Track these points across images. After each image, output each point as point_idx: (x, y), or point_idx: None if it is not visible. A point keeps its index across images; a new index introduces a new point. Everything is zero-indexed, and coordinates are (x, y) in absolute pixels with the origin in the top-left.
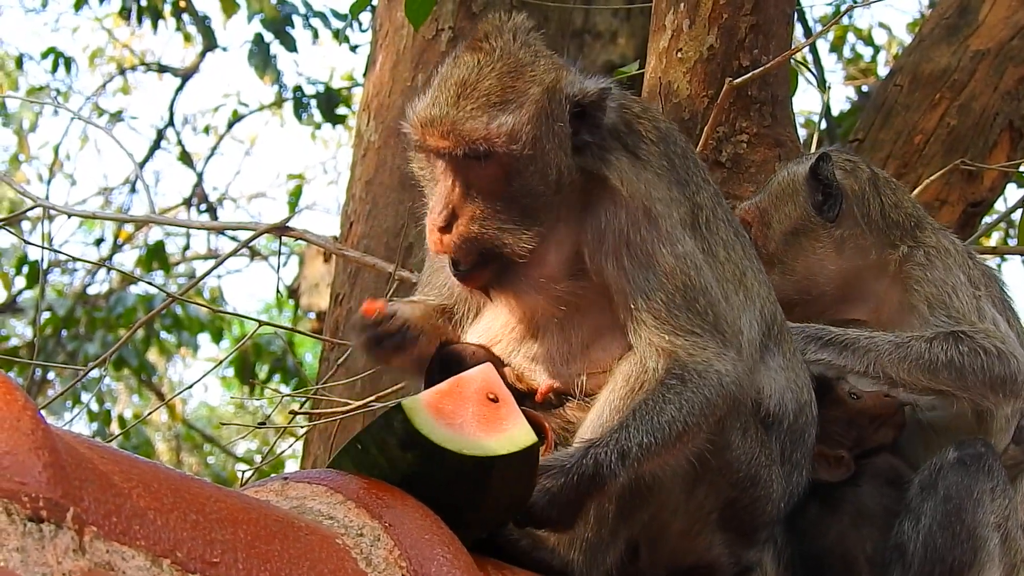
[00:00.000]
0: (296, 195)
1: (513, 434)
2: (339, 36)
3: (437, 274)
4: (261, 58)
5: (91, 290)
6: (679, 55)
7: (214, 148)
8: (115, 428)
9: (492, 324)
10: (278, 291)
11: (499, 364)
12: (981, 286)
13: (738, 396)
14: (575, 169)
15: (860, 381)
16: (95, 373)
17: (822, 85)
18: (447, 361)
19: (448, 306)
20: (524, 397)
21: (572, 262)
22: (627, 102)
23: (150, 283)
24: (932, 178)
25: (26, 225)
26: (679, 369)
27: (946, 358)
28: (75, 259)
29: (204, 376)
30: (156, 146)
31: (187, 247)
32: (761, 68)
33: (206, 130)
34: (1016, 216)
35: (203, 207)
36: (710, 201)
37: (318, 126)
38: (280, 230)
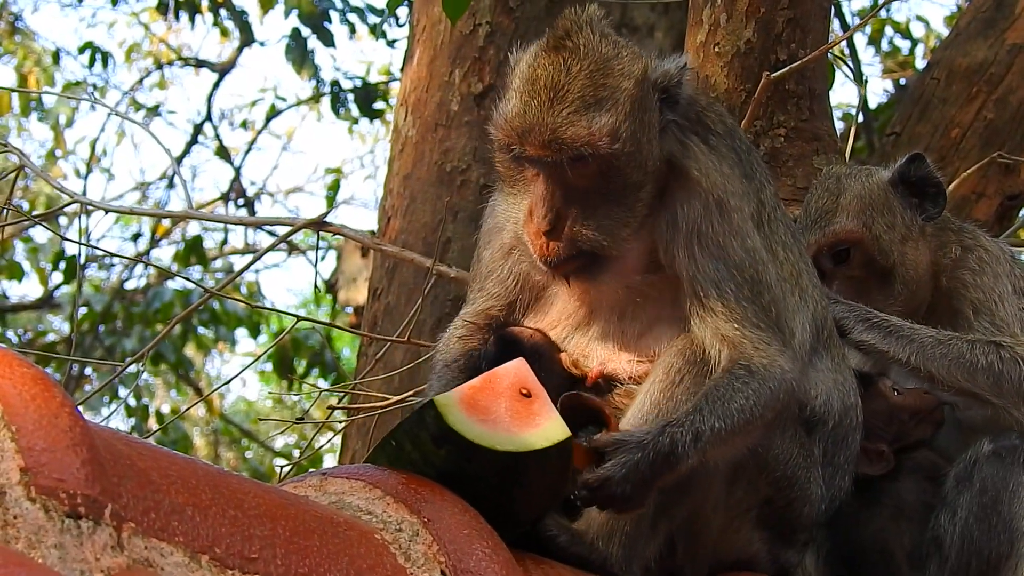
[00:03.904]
0: (334, 190)
1: (546, 429)
2: (376, 31)
3: (500, 266)
4: (298, 53)
5: (128, 285)
6: (716, 49)
7: (252, 143)
8: (153, 423)
9: (550, 308)
10: (315, 286)
11: (555, 349)
12: None
13: (796, 394)
14: (662, 157)
15: (898, 372)
16: (132, 368)
17: (859, 79)
18: (505, 343)
19: (508, 304)
20: (577, 382)
21: (649, 255)
22: (695, 94)
23: (187, 279)
24: (969, 171)
25: (63, 220)
26: (745, 360)
27: (986, 362)
28: (112, 255)
29: (242, 371)
30: (194, 141)
31: (224, 242)
32: (798, 62)
33: (243, 125)
34: None
35: (241, 202)
36: (772, 199)
37: (355, 121)
38: (317, 225)
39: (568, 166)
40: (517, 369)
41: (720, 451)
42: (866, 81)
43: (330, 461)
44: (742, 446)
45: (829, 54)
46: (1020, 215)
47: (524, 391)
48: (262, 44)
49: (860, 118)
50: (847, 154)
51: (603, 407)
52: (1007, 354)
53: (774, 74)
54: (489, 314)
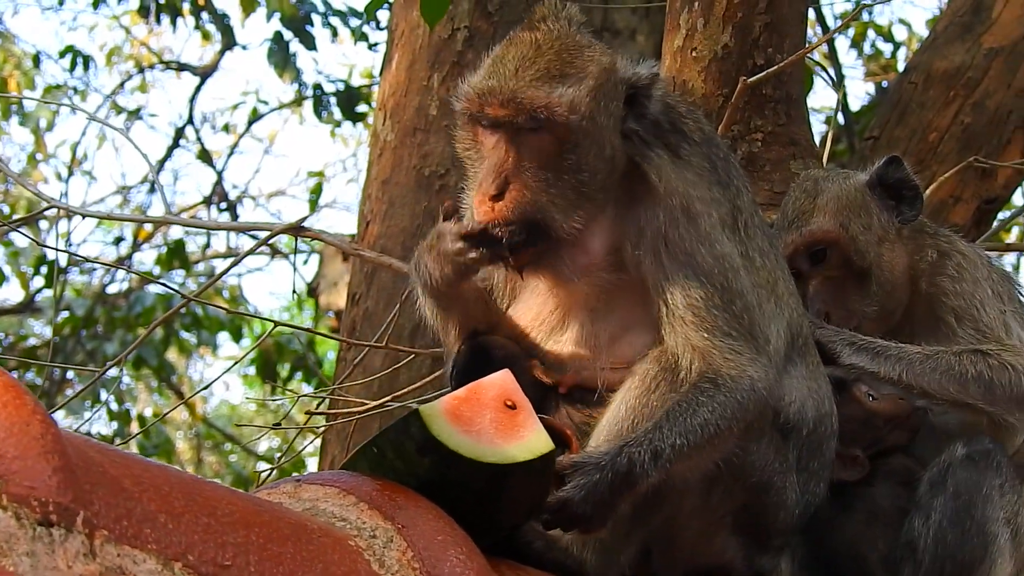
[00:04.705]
0: (316, 193)
1: (530, 441)
2: (357, 34)
3: None
4: (280, 56)
5: (110, 289)
6: (693, 54)
7: (234, 146)
8: (135, 428)
9: (523, 313)
10: (294, 290)
11: (527, 358)
12: (1005, 298)
13: (768, 403)
14: (623, 157)
15: (888, 388)
16: (113, 372)
17: (837, 83)
18: (475, 353)
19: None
20: (549, 390)
21: (612, 254)
22: (673, 101)
23: (165, 284)
24: (946, 175)
25: (44, 224)
26: (713, 372)
27: (975, 371)
28: (90, 260)
29: (221, 376)
30: (175, 144)
31: (207, 245)
32: (775, 67)
33: (225, 128)
34: None
35: (223, 205)
36: (749, 206)
37: (338, 124)
38: (296, 230)
39: (526, 133)
40: (502, 381)
41: (684, 466)
42: (843, 86)
43: (313, 465)
44: (710, 459)
45: (807, 59)
46: (997, 219)
47: (509, 403)
48: (244, 47)
49: (841, 121)
50: (825, 158)
51: (564, 428)
52: (995, 361)
53: (751, 79)
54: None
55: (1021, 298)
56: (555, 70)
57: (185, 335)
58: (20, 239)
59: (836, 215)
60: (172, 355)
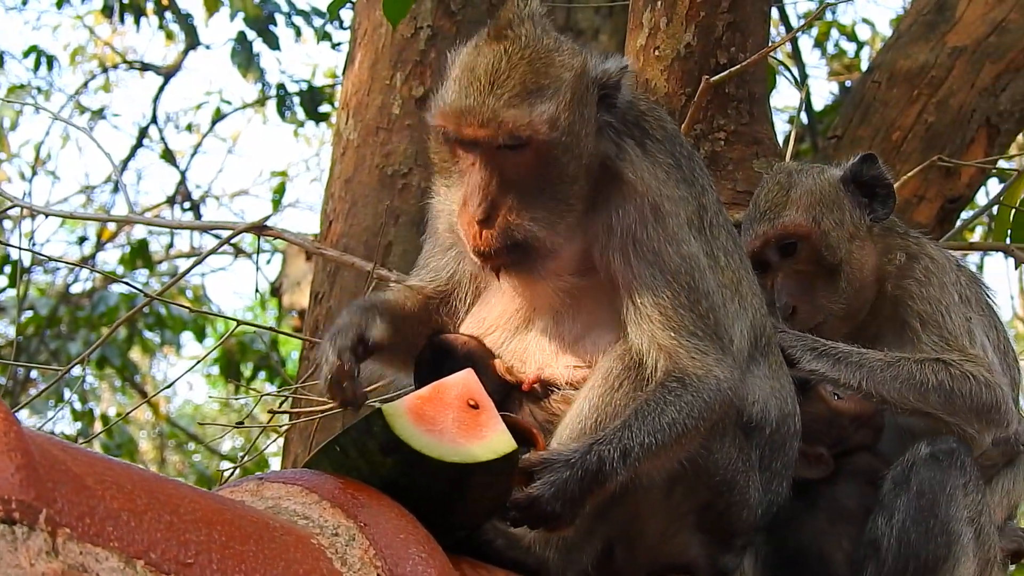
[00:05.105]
0: (279, 193)
1: (493, 441)
2: (320, 34)
3: (438, 257)
4: (244, 56)
5: (74, 289)
6: (656, 53)
7: (197, 146)
8: (98, 427)
9: (487, 312)
10: (257, 290)
11: (489, 356)
12: (972, 302)
13: (733, 402)
14: (597, 157)
15: (847, 394)
16: (77, 371)
17: (800, 82)
18: (438, 351)
19: (445, 292)
20: (512, 388)
21: (581, 256)
22: (635, 98)
23: (128, 283)
24: (910, 174)
25: (8, 224)
26: (679, 372)
27: (936, 380)
28: (54, 259)
29: (183, 375)
30: (139, 144)
31: (171, 245)
32: (738, 66)
33: (189, 128)
34: (994, 212)
35: (187, 205)
36: (714, 205)
37: (301, 124)
38: (258, 229)
39: (505, 151)
40: (465, 380)
41: (652, 465)
42: (807, 85)
43: (276, 464)
44: (676, 458)
45: (769, 58)
46: (960, 218)
47: (472, 402)
48: (207, 47)
49: (804, 120)
50: (788, 157)
51: (530, 427)
52: (956, 371)
53: (714, 78)
54: (428, 295)
55: (989, 300)
56: (531, 84)
57: (148, 335)
58: None
59: (809, 209)
60: (136, 355)
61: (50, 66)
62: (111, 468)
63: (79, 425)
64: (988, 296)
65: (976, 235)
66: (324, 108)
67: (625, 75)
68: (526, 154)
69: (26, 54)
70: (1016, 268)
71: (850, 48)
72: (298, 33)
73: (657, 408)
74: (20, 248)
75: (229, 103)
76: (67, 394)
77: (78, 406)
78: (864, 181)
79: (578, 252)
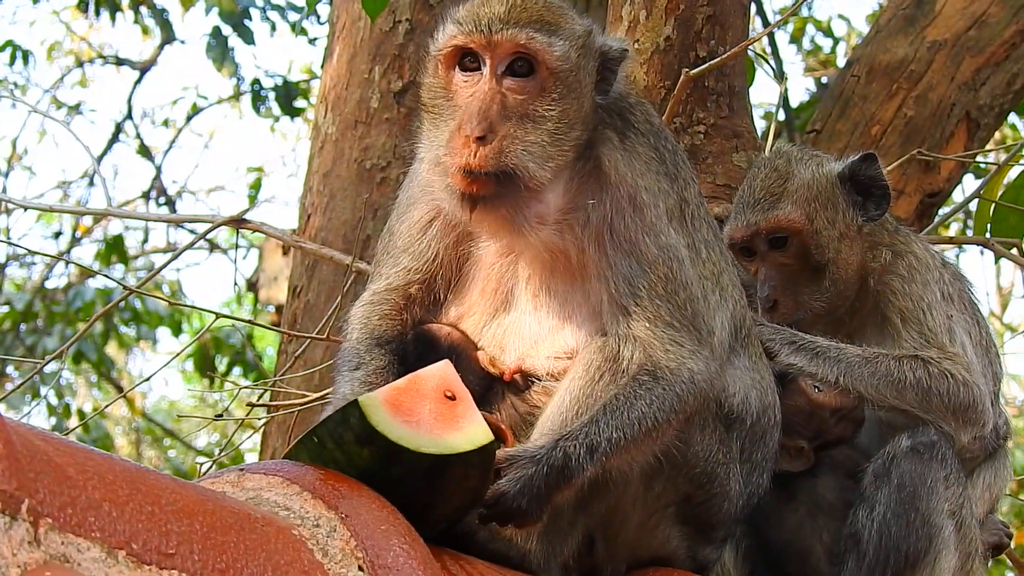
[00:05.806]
0: (255, 188)
1: (470, 432)
2: (296, 28)
3: (417, 242)
4: (219, 51)
5: (50, 284)
6: (636, 46)
7: (173, 141)
8: (74, 422)
9: (470, 293)
10: (235, 284)
11: (472, 347)
12: (954, 299)
13: (708, 395)
14: (588, 126)
15: (825, 388)
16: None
17: (780, 76)
18: (422, 341)
19: (427, 279)
20: (494, 380)
21: (562, 216)
22: (625, 90)
23: (108, 276)
24: (889, 168)
25: None
26: (652, 365)
27: (914, 378)
28: (33, 252)
29: (160, 369)
30: (115, 139)
31: (146, 240)
32: (718, 59)
33: (165, 123)
34: (973, 206)
35: (162, 200)
36: (696, 198)
37: (277, 119)
38: (237, 222)
39: (511, 76)
40: (442, 371)
41: (622, 459)
42: (786, 78)
43: (252, 458)
44: (648, 452)
45: (749, 51)
46: (939, 212)
47: (448, 393)
48: (183, 42)
49: (781, 115)
50: (766, 151)
51: (498, 423)
52: (935, 369)
53: (693, 71)
54: (408, 292)
55: (972, 298)
56: (547, 18)
57: (125, 330)
58: None
59: (805, 205)
60: (112, 350)
61: (26, 61)
62: (93, 459)
63: (54, 420)
64: (971, 294)
65: (952, 231)
66: (300, 103)
67: (626, 55)
68: (531, 82)
69: (2, 49)
70: (996, 263)
71: (826, 44)
72: (273, 28)
73: (626, 403)
74: None
75: (205, 98)
76: (43, 389)
77: (54, 401)
78: (862, 180)
79: (561, 210)
